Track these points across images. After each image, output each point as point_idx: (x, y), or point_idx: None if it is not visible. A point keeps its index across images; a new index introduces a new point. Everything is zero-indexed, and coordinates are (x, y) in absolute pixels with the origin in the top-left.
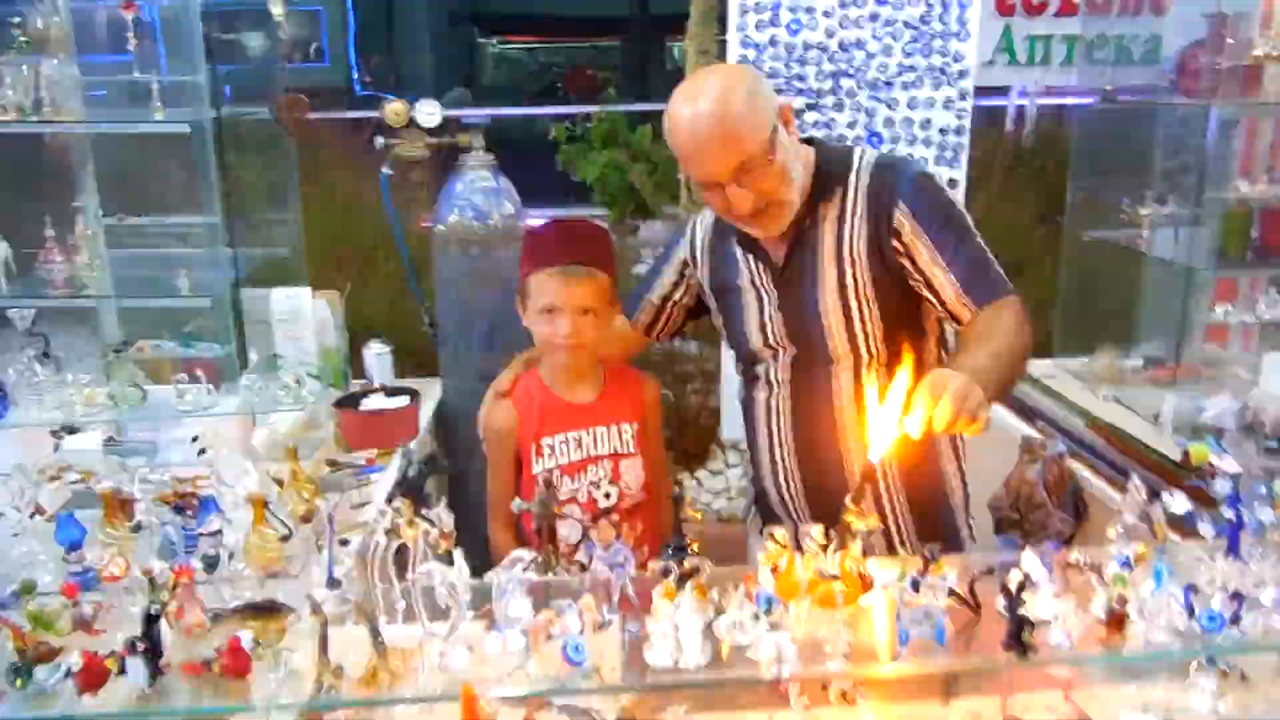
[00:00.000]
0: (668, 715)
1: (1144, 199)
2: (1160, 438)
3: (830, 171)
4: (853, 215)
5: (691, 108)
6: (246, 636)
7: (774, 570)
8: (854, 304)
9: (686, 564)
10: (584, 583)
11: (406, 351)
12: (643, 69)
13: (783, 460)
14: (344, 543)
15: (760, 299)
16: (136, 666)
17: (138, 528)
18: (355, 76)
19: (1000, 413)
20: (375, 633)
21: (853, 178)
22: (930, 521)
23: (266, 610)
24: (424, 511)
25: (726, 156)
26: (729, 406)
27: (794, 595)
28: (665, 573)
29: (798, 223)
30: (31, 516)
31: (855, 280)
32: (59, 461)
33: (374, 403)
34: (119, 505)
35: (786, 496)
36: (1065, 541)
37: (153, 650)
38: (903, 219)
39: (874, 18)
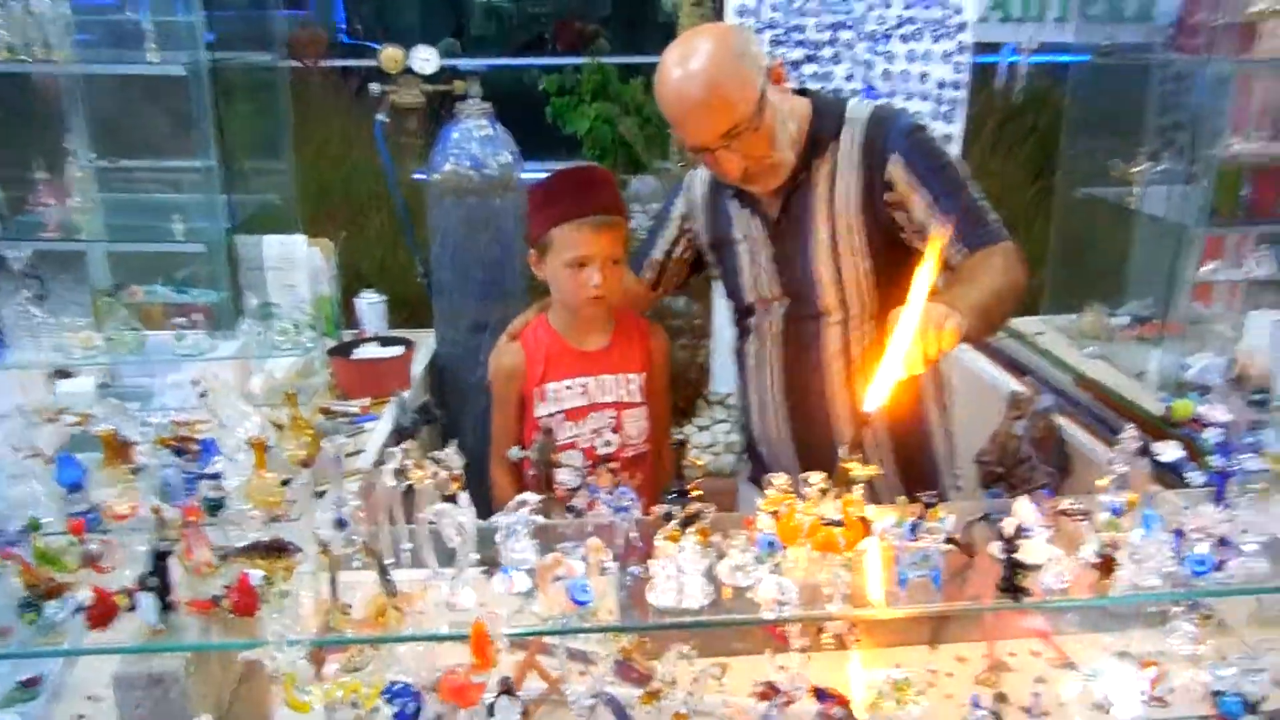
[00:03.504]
0: (671, 655)
1: (1136, 156)
2: (1145, 394)
3: (824, 125)
4: (845, 169)
5: (680, 70)
6: (256, 575)
7: (775, 515)
8: (845, 258)
9: (689, 509)
10: (588, 526)
11: (399, 301)
12: (633, 20)
13: (773, 412)
14: None
15: (754, 252)
16: (148, 603)
17: (137, 470)
18: (341, 24)
19: (988, 367)
20: (384, 572)
21: (846, 131)
22: (915, 474)
23: (274, 550)
24: (434, 454)
25: (713, 122)
26: (718, 362)
27: (795, 539)
28: (668, 517)
29: (792, 177)
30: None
31: (846, 235)
32: (55, 404)
33: (367, 351)
34: (119, 447)
35: (776, 447)
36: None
37: (163, 587)
38: (895, 171)
39: None
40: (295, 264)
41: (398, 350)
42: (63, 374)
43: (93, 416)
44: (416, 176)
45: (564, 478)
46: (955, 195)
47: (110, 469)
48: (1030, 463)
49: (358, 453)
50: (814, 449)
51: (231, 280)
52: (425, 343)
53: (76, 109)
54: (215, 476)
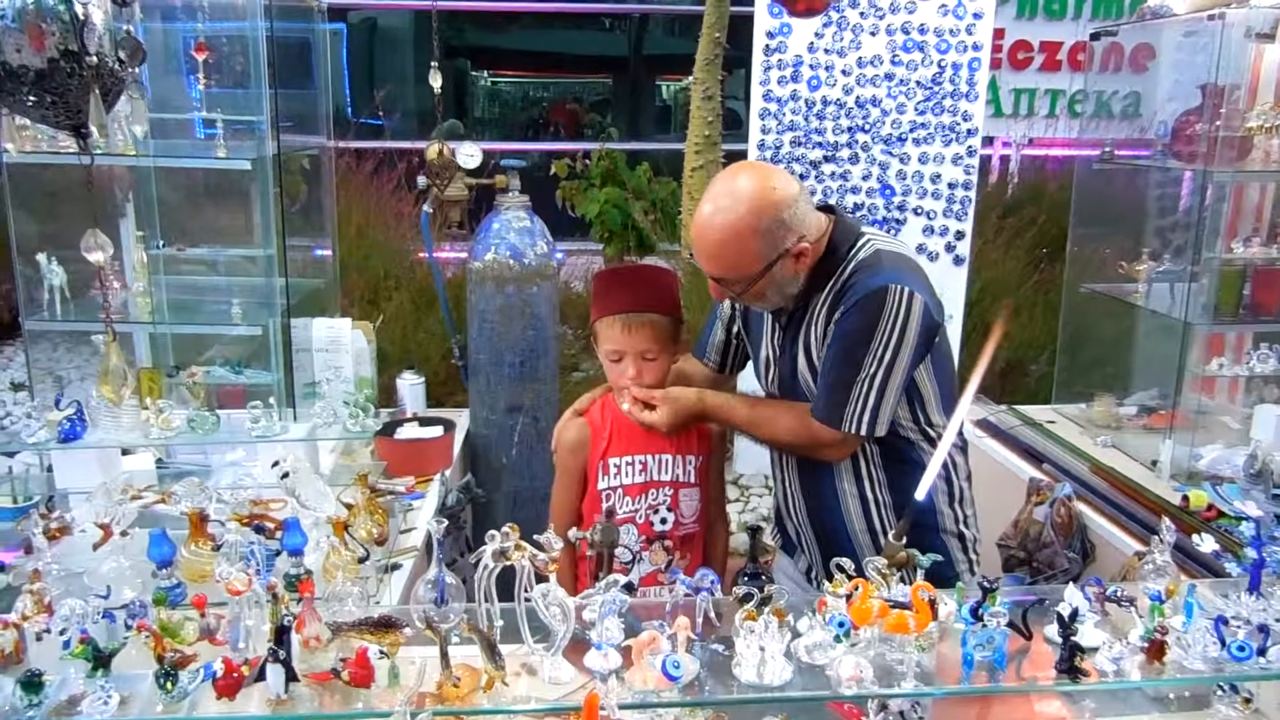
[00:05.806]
0: None
1: (1139, 254)
2: (1158, 483)
3: (832, 259)
4: (826, 302)
5: (710, 208)
6: (374, 648)
7: (847, 598)
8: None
9: (766, 590)
10: (667, 605)
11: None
12: (634, 106)
13: (790, 493)
14: (395, 567)
15: (769, 349)
16: (276, 673)
17: (218, 547)
18: (349, 105)
19: (1007, 455)
20: (492, 647)
21: (841, 268)
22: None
23: (383, 625)
24: (536, 536)
25: (709, 265)
26: (737, 443)
27: (866, 620)
28: (747, 598)
29: (802, 294)
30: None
31: (819, 359)
32: (127, 481)
33: (409, 431)
34: (202, 525)
35: (792, 525)
36: (1073, 579)
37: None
38: (836, 321)
39: (889, 77)
40: (341, 346)
41: (438, 431)
42: (123, 451)
43: (174, 494)
44: (464, 258)
45: (617, 552)
46: (841, 370)
47: (196, 546)
48: (1052, 548)
49: (409, 529)
50: (824, 527)
51: (286, 362)
52: (460, 423)
53: (141, 195)
54: (298, 553)
